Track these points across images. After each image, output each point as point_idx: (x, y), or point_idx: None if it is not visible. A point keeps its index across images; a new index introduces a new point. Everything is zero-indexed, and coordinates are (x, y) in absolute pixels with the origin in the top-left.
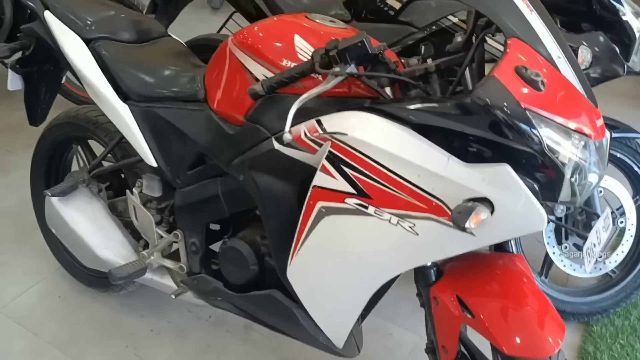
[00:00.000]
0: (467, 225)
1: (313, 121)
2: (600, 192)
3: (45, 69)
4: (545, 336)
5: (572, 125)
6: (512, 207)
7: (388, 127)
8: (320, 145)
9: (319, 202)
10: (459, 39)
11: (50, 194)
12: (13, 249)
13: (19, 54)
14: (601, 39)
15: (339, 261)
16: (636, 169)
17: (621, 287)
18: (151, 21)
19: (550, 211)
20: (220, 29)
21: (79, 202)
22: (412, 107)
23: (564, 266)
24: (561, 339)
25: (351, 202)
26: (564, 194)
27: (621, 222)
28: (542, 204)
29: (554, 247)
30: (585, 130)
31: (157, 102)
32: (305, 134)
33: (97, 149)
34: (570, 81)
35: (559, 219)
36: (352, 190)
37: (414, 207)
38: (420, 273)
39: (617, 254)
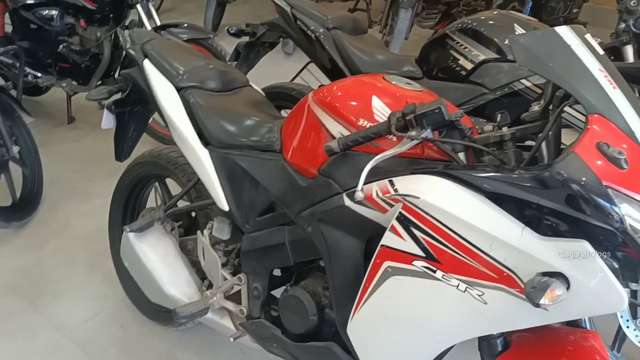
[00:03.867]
0: (541, 301)
1: (386, 181)
2: None
3: (136, 110)
4: None
5: None
6: (590, 285)
7: (461, 193)
8: (391, 205)
9: (386, 261)
10: (536, 107)
11: (128, 230)
12: (84, 274)
13: (115, 96)
14: None
15: (402, 322)
16: None
17: None
18: (235, 72)
19: (625, 284)
20: (295, 77)
21: (152, 238)
22: (486, 175)
23: (639, 342)
24: None
25: (419, 264)
26: None
27: None
28: (622, 284)
29: (628, 320)
30: None
31: (235, 149)
32: (377, 193)
33: (173, 188)
34: None
35: (634, 292)
36: (420, 253)
37: (484, 276)
38: (485, 342)
39: None
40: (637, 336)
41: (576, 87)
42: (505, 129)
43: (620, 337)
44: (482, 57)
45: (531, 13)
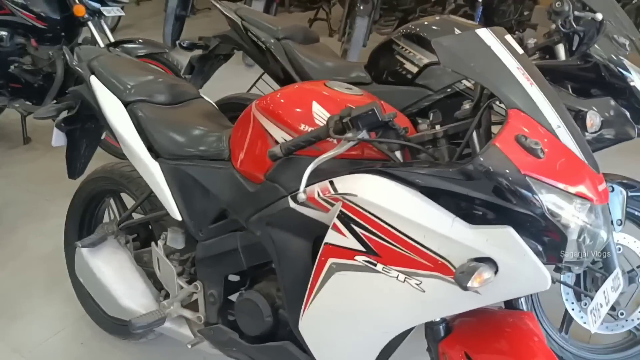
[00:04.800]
0: (469, 284)
1: (326, 182)
2: (619, 249)
3: (87, 127)
4: None
5: (573, 190)
6: (516, 267)
7: (396, 189)
8: (332, 205)
9: (330, 258)
10: (466, 106)
11: (80, 245)
12: (43, 294)
13: (64, 113)
14: (611, 103)
15: (349, 316)
16: None
17: None
18: (186, 84)
19: (568, 269)
20: (250, 88)
21: (106, 252)
22: (419, 171)
23: (584, 323)
24: None
25: (360, 259)
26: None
27: None
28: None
29: (573, 303)
30: (587, 194)
31: (185, 160)
32: (318, 194)
33: (128, 202)
34: (571, 149)
35: (577, 276)
36: (361, 248)
37: (421, 266)
38: (429, 328)
39: (639, 311)
40: (582, 317)
41: (496, 85)
42: (438, 127)
43: (567, 319)
44: (425, 61)
45: (483, 17)
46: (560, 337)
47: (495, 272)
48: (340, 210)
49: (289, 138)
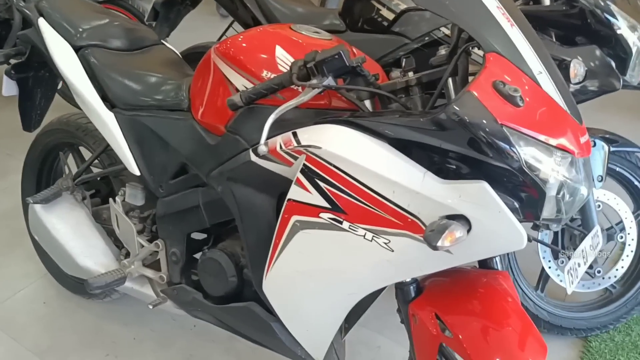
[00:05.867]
0: (439, 244)
1: (289, 133)
2: (599, 206)
3: (40, 75)
4: (525, 359)
5: (554, 142)
6: (490, 225)
7: (363, 141)
8: (295, 158)
9: (294, 216)
10: (442, 51)
11: (32, 201)
12: (4, 253)
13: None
14: (597, 52)
15: (314, 276)
16: (636, 183)
17: (621, 303)
18: (145, 30)
19: (546, 226)
20: (220, 37)
21: (62, 209)
22: (388, 121)
23: (561, 281)
24: (543, 358)
25: (325, 216)
26: (547, 211)
27: (621, 237)
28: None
29: (550, 261)
30: (568, 147)
31: (142, 110)
32: (280, 146)
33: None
34: (553, 97)
35: (555, 234)
36: (326, 205)
37: (389, 224)
38: (399, 289)
39: (617, 269)
40: (558, 276)
41: (473, 25)
42: (411, 74)
43: (543, 277)
44: (402, 6)
45: None
46: (536, 295)
47: (468, 231)
48: (304, 164)
49: (250, 86)
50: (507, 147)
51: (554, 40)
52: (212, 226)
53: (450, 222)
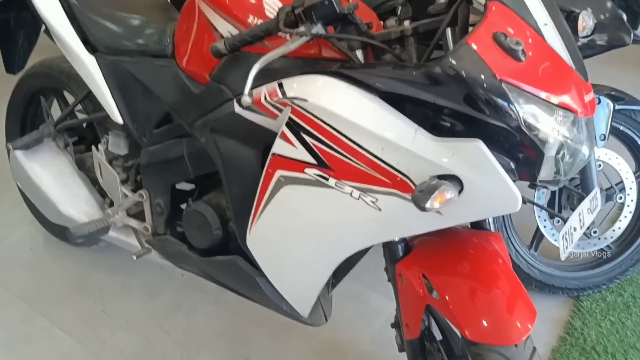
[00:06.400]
0: (428, 205)
1: (275, 84)
2: (600, 166)
3: (23, 16)
4: (513, 322)
5: (556, 100)
6: (483, 186)
7: (352, 94)
8: (280, 110)
9: (278, 170)
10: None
11: (12, 147)
12: None
13: None
14: (608, 4)
15: (299, 232)
16: None
17: (616, 264)
18: None
19: (543, 187)
20: None
21: (44, 156)
22: (379, 73)
23: (555, 240)
24: (531, 324)
25: (311, 172)
26: (545, 172)
27: (620, 198)
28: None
29: (545, 220)
30: (571, 105)
31: (124, 55)
32: (265, 97)
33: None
34: (558, 52)
35: (553, 193)
36: (312, 160)
37: (377, 182)
38: (386, 248)
39: (613, 230)
40: (553, 235)
41: None
42: (407, 23)
43: (537, 236)
44: None
45: None
46: (529, 254)
47: (460, 191)
48: (289, 117)
49: (235, 32)
50: (506, 104)
51: None
52: (197, 177)
53: (441, 182)
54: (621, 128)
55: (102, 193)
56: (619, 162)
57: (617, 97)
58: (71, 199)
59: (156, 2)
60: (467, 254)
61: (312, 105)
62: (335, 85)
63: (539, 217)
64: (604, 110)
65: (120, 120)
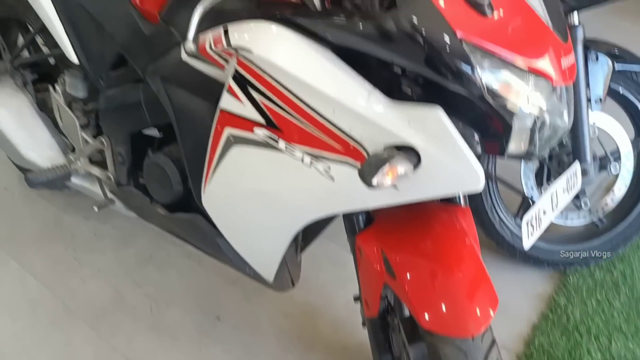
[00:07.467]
0: (374, 181)
1: (220, 29)
2: (595, 132)
3: None
4: (473, 311)
5: (526, 63)
6: (442, 160)
7: (302, 47)
8: (227, 60)
9: (227, 127)
10: None
11: None
12: None
13: None
14: None
15: (251, 197)
16: None
17: (607, 238)
18: None
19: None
20: None
21: (2, 95)
22: (331, 23)
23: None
24: (492, 314)
25: (260, 132)
26: (514, 146)
27: (615, 168)
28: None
29: (532, 188)
30: (546, 71)
31: None
32: (210, 44)
33: None
34: (533, 6)
35: (542, 159)
36: (260, 119)
37: (329, 148)
38: (346, 218)
39: (606, 202)
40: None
41: None
42: None
43: (524, 205)
44: None
45: None
46: (515, 224)
47: (417, 165)
48: (235, 69)
49: None
50: (466, 68)
51: None
52: (157, 126)
53: (394, 154)
54: (621, 91)
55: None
56: (616, 127)
57: (618, 55)
58: (32, 142)
59: None
60: (432, 230)
61: (257, 58)
62: (284, 36)
63: (526, 184)
64: (602, 70)
65: (75, 59)
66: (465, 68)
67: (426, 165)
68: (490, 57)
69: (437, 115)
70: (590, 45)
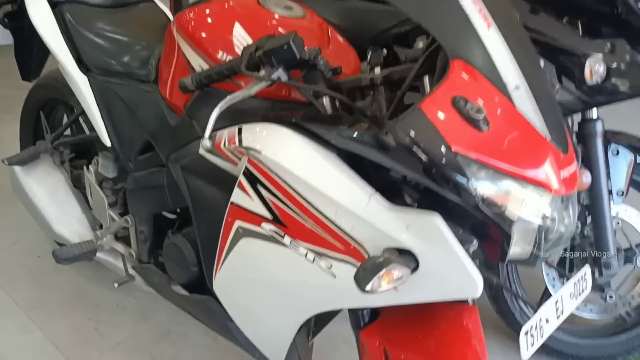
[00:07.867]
0: (369, 287)
1: (235, 129)
2: (618, 224)
3: None
4: None
5: (523, 174)
6: (439, 266)
7: (308, 150)
8: (239, 158)
9: (237, 220)
10: (420, 44)
11: (7, 162)
12: (5, 202)
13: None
14: (626, 47)
15: (260, 286)
16: None
17: (636, 333)
18: None
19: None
20: None
21: (40, 172)
22: (337, 129)
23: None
24: None
25: (267, 227)
26: (516, 252)
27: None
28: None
29: (554, 279)
30: (543, 181)
31: (114, 76)
32: (225, 142)
33: None
34: (530, 119)
35: (564, 250)
36: (268, 215)
37: (331, 246)
38: (351, 312)
39: (632, 296)
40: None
41: (437, 23)
42: (377, 70)
43: (545, 296)
44: None
45: None
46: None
47: (415, 269)
48: (246, 166)
49: (206, 67)
50: (461, 180)
51: (579, 29)
52: (178, 208)
53: (391, 258)
54: None
55: None
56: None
57: (639, 148)
58: (63, 218)
59: (155, 21)
60: (437, 328)
61: (266, 158)
62: (292, 139)
63: (547, 274)
64: (624, 163)
65: (108, 143)
66: (461, 179)
67: (425, 270)
68: (485, 169)
69: (435, 223)
70: (611, 138)
